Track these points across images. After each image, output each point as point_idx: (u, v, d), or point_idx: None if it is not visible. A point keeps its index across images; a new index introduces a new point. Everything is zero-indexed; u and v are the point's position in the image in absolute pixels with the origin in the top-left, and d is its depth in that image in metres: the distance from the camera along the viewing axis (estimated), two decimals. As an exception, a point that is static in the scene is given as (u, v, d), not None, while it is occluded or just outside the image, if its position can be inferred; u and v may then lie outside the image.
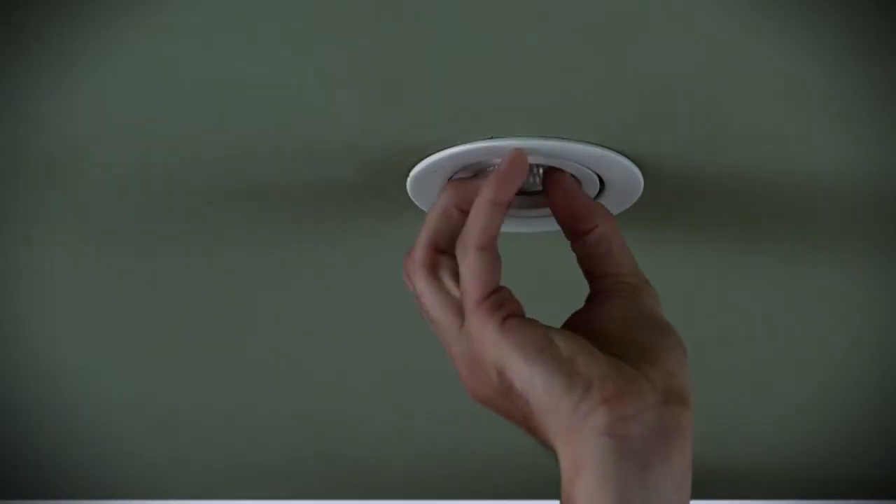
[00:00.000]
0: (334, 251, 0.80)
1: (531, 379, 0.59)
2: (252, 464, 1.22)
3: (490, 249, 0.62)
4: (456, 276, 0.64)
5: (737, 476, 1.23)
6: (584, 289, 0.67)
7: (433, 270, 0.64)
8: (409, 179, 0.68)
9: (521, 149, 0.63)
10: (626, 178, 0.67)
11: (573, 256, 0.67)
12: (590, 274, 0.66)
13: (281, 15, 0.55)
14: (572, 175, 0.67)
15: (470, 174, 0.67)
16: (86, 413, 1.08)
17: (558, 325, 0.64)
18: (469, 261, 0.62)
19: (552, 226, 0.68)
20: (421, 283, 0.64)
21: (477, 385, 0.63)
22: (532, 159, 0.65)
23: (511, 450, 1.09)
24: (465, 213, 0.64)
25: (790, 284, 0.84)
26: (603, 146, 0.65)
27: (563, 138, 0.64)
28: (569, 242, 0.67)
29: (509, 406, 0.61)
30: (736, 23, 0.55)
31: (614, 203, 0.70)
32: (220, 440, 1.15)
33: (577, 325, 0.64)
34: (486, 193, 0.62)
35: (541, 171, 0.67)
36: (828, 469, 1.22)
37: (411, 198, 0.69)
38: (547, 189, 0.66)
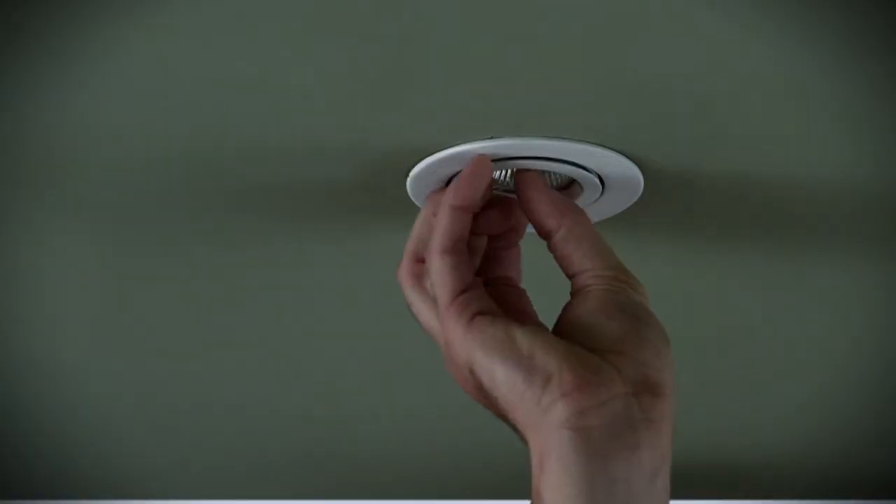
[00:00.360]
0: (334, 251, 0.80)
1: (493, 376, 0.60)
2: (252, 464, 1.23)
3: (453, 253, 0.63)
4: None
5: (737, 476, 1.23)
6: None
7: (418, 280, 0.66)
8: (408, 179, 0.68)
9: (485, 154, 0.64)
10: (626, 178, 0.67)
11: None
12: (566, 273, 0.66)
13: (281, 15, 0.55)
14: (558, 174, 0.67)
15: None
16: (86, 413, 1.08)
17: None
18: (434, 266, 0.63)
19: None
20: (408, 293, 0.66)
21: (462, 385, 0.64)
22: (531, 159, 0.66)
23: (511, 450, 1.09)
24: (441, 209, 0.65)
25: (790, 284, 0.84)
26: (603, 146, 0.65)
27: (564, 138, 0.64)
28: None
29: (487, 403, 0.62)
30: (736, 23, 0.55)
31: (614, 203, 0.70)
32: (220, 440, 1.15)
33: (559, 322, 0.64)
34: (447, 198, 0.64)
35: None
36: (828, 469, 1.22)
37: (411, 198, 0.69)
38: (515, 187, 0.66)
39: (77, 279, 0.84)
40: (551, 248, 0.65)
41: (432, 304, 0.65)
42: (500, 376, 0.59)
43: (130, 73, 0.60)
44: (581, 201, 0.70)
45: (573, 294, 0.65)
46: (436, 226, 0.64)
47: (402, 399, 1.04)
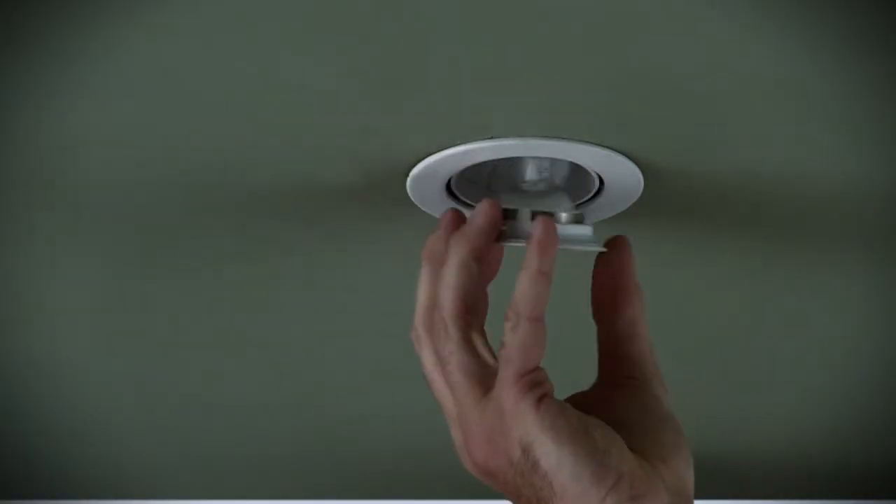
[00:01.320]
0: (334, 251, 0.80)
1: (560, 462, 0.59)
2: (252, 463, 1.23)
3: (541, 321, 0.61)
4: (486, 342, 0.63)
5: (737, 475, 1.23)
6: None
7: (468, 332, 0.63)
8: (408, 180, 0.68)
9: (544, 217, 0.62)
10: (626, 178, 0.67)
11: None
12: (611, 355, 0.66)
13: (281, 15, 0.55)
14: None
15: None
16: (86, 413, 1.08)
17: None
18: (521, 331, 0.60)
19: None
20: (453, 345, 0.62)
21: (491, 456, 0.62)
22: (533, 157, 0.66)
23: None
24: (480, 264, 0.63)
25: (790, 284, 0.84)
26: (602, 146, 0.65)
27: (564, 138, 0.64)
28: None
29: (522, 484, 0.60)
30: (736, 23, 0.55)
31: (614, 203, 0.70)
32: (220, 440, 1.15)
33: (593, 407, 0.63)
34: (532, 264, 0.61)
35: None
36: (828, 469, 1.22)
37: (411, 198, 0.69)
38: (605, 256, 0.66)
39: (77, 279, 0.84)
40: (607, 326, 0.66)
41: (477, 363, 0.62)
42: (569, 466, 0.59)
43: (130, 73, 0.60)
44: (580, 201, 0.70)
45: (609, 381, 0.65)
46: (525, 291, 0.61)
47: (401, 399, 1.04)
